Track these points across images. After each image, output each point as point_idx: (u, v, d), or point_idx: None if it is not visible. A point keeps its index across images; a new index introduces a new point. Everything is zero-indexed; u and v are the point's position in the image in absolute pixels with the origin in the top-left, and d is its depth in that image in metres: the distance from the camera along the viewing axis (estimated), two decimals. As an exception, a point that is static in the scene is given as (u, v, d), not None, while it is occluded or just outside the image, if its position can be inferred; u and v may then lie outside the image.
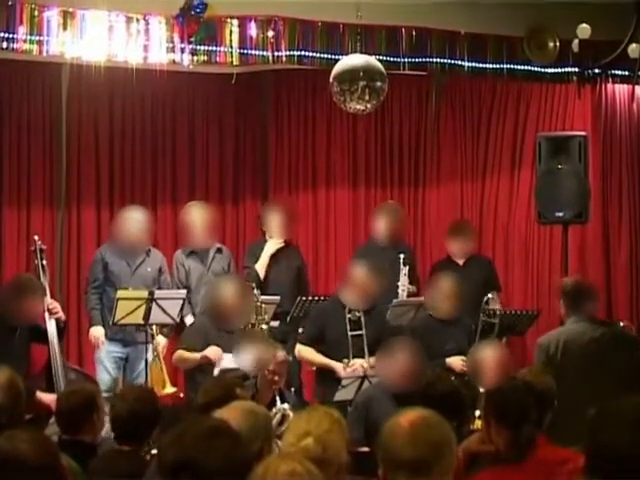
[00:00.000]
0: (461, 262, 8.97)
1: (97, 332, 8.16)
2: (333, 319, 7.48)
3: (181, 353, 7.42)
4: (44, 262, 7.45)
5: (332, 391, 7.12)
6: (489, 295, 8.24)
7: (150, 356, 7.98)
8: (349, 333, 7.40)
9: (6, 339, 6.78)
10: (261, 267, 8.57)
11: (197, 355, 7.30)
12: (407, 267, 8.63)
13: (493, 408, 4.40)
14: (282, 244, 8.69)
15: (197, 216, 8.57)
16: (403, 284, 8.60)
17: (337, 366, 7.35)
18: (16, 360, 6.34)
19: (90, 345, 8.42)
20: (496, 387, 4.66)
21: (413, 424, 2.95)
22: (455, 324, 7.67)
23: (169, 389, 8.34)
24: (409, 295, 8.59)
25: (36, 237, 7.64)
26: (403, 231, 9.28)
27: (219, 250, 8.63)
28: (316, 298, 8.25)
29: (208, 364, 7.24)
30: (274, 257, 8.63)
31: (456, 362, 7.42)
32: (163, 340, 8.02)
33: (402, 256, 8.63)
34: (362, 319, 7.41)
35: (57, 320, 7.09)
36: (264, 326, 7.44)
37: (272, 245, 8.65)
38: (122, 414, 4.61)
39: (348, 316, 7.42)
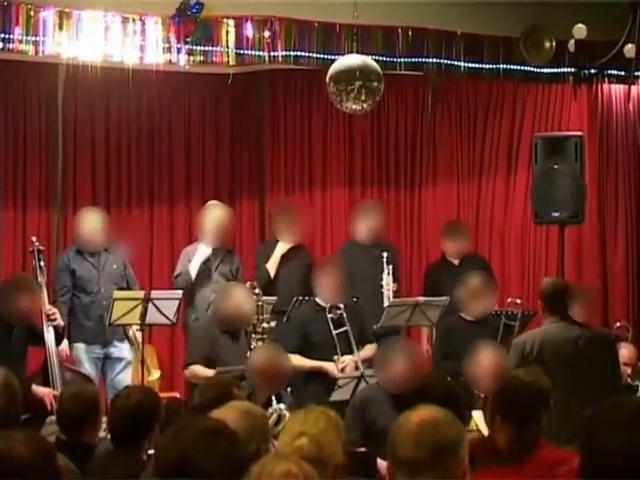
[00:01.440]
0: (456, 262, 8.97)
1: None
2: (314, 322, 7.50)
3: (195, 371, 7.27)
4: (42, 263, 7.45)
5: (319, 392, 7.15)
6: (517, 300, 8.29)
7: (130, 354, 7.99)
8: (334, 332, 7.42)
9: (2, 338, 6.78)
10: (272, 267, 8.58)
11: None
12: (391, 266, 8.63)
13: (500, 404, 4.39)
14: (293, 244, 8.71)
15: (216, 216, 8.50)
16: (387, 283, 8.58)
17: (330, 366, 7.37)
18: (13, 359, 6.35)
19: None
20: (505, 384, 4.64)
21: (420, 423, 2.94)
22: (483, 325, 7.67)
23: (155, 374, 8.34)
24: (394, 294, 8.58)
25: (34, 238, 7.63)
26: (384, 229, 9.22)
27: (229, 252, 8.60)
28: (312, 298, 8.24)
29: None
30: (285, 257, 8.63)
31: None
32: (137, 333, 8.01)
33: (385, 255, 8.62)
34: (344, 315, 7.43)
35: (55, 327, 7.08)
36: (265, 325, 7.43)
37: (284, 245, 8.66)
38: (117, 418, 4.59)
39: (330, 316, 7.44)
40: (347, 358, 7.37)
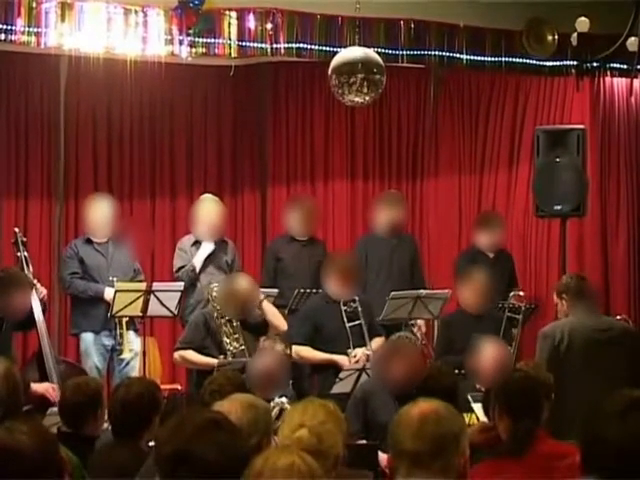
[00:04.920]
0: (491, 255, 8.88)
1: (111, 292, 7.81)
2: (327, 314, 7.45)
3: (186, 356, 7.28)
4: (26, 254, 7.43)
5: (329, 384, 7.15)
6: (520, 293, 8.27)
7: (139, 346, 7.99)
8: (347, 325, 7.39)
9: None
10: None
11: (210, 361, 7.13)
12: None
13: (496, 396, 4.42)
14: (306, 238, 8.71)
15: (209, 209, 8.47)
16: None
17: (342, 359, 7.33)
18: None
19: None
20: (509, 376, 4.66)
21: (422, 416, 2.96)
22: (486, 319, 7.61)
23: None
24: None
25: (16, 229, 7.62)
26: (404, 221, 9.22)
27: (224, 243, 8.58)
28: (314, 291, 8.23)
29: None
30: (296, 252, 8.62)
31: None
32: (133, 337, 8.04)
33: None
34: (359, 309, 7.41)
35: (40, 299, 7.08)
36: (236, 344, 7.34)
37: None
38: (117, 409, 4.60)
39: (344, 308, 7.41)
40: (359, 351, 7.35)
